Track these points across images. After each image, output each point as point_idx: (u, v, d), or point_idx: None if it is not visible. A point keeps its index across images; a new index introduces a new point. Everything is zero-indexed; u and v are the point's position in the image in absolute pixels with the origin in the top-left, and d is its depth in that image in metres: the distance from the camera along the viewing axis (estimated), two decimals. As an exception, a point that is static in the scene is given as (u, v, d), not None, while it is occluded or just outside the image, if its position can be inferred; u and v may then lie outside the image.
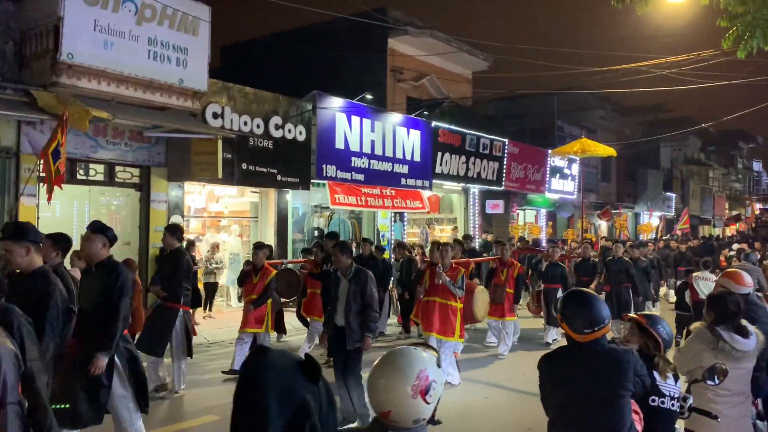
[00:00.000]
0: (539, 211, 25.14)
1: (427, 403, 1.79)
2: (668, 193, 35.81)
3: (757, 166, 57.47)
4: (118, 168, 11.04)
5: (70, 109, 8.53)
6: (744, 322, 3.76)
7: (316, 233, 15.47)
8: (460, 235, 18.90)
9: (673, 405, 2.99)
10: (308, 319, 10.06)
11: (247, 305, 8.36)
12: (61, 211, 10.84)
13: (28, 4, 9.68)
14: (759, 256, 14.37)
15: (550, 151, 21.67)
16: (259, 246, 8.75)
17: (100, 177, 10.91)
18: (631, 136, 32.68)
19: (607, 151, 16.80)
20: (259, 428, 1.54)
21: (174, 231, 7.57)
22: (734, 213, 45.60)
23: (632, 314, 3.41)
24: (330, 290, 6.85)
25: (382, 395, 1.82)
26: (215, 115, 11.67)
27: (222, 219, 14.12)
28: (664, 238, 25.58)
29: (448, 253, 8.02)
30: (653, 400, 2.95)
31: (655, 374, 3.00)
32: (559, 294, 10.10)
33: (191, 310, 9.03)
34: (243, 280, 8.69)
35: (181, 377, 7.53)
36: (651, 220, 33.37)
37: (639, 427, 2.81)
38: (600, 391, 2.72)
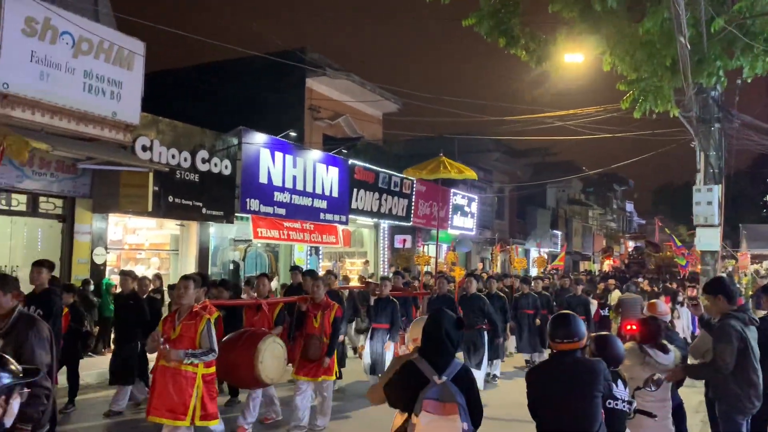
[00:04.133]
0: (440, 246, 26.42)
1: None
2: (554, 231, 38.54)
3: (629, 207, 63.06)
4: (41, 198, 10.83)
5: (9, 140, 8.44)
6: (664, 341, 4.67)
7: (231, 266, 15.61)
8: (371, 270, 19.65)
9: (624, 407, 3.75)
10: None
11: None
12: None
13: (-43, 30, 9.45)
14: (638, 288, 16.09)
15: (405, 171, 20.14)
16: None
17: (22, 207, 10.64)
18: (522, 177, 35.09)
19: (465, 173, 14.14)
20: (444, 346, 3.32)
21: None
22: (605, 246, 49.37)
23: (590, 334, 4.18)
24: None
25: None
26: (144, 148, 11.73)
27: (141, 251, 13.95)
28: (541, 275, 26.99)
29: (319, 288, 7.43)
30: (609, 403, 3.68)
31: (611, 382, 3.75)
32: (388, 336, 9.11)
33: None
34: None
35: None
36: (539, 255, 35.77)
37: None
38: (577, 393, 3.44)
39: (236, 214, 13.96)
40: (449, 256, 22.51)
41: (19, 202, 10.58)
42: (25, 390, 2.88)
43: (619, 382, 3.85)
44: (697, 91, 9.42)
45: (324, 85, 19.23)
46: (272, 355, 6.61)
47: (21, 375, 3.31)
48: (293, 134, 16.54)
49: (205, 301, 5.99)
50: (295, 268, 11.66)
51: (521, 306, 12.08)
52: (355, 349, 12.24)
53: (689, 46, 7.32)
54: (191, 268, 13.48)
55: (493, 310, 10.15)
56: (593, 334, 4.20)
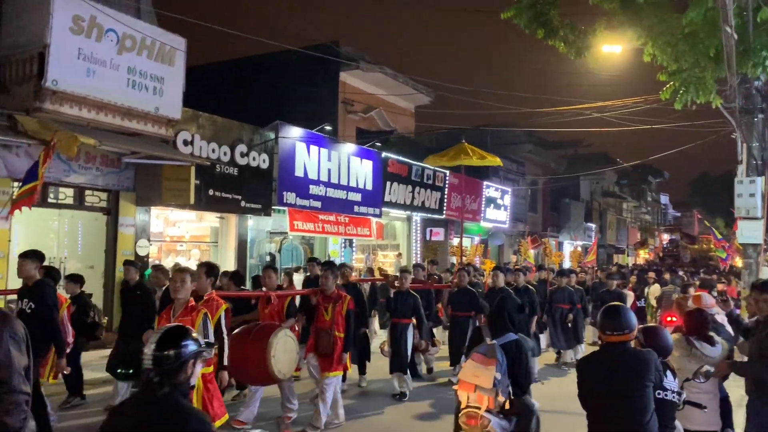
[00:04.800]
0: (473, 238, 26.37)
1: None
2: (588, 223, 38.13)
3: (664, 199, 61.99)
4: (87, 192, 11.14)
5: (59, 135, 8.71)
6: (712, 333, 4.66)
7: (268, 258, 15.85)
8: (404, 262, 19.73)
9: (674, 397, 3.78)
10: None
11: None
12: (32, 234, 10.80)
13: (8, 30, 9.78)
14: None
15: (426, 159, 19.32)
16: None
17: (69, 201, 10.97)
18: (555, 168, 34.79)
19: (489, 159, 13.90)
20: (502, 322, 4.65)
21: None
22: (641, 239, 48.66)
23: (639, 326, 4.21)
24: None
25: None
26: (186, 142, 11.98)
27: (181, 243, 14.26)
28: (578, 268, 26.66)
29: (327, 279, 7.19)
30: (658, 393, 3.71)
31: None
32: (410, 331, 8.79)
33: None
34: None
35: None
36: (573, 248, 35.44)
37: None
38: (629, 383, 3.49)
39: (273, 207, 14.16)
40: (473, 248, 22.44)
41: (66, 195, 10.89)
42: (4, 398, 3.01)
43: (669, 373, 3.87)
44: (740, 82, 9.26)
45: (357, 78, 19.32)
46: (284, 349, 6.38)
47: (205, 343, 3.83)
48: (328, 128, 16.68)
49: (212, 292, 5.65)
50: (312, 260, 11.20)
51: (556, 300, 11.79)
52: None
53: (736, 36, 7.21)
54: (230, 259, 13.76)
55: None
56: (641, 326, 4.22)
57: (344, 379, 8.57)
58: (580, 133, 32.99)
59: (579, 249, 32.09)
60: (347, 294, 7.44)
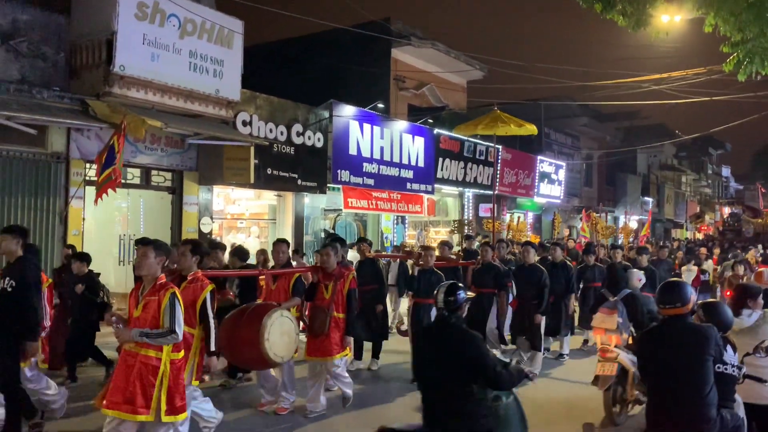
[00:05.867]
0: (525, 214, 26.18)
1: None
2: (645, 198, 37.27)
3: (725, 171, 59.82)
4: (153, 172, 11.63)
5: (128, 119, 9.14)
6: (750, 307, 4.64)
7: (323, 235, 16.20)
8: (456, 238, 19.80)
9: (733, 371, 3.84)
10: None
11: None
12: (104, 213, 11.39)
13: (77, 17, 10.24)
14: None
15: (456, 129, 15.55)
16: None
17: (136, 180, 11.49)
18: (611, 142, 34.03)
19: (525, 126, 13.07)
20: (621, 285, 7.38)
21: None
22: (698, 211, 47.11)
23: (699, 301, 4.28)
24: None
25: None
26: (245, 123, 12.35)
27: (241, 221, 14.74)
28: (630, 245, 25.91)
29: (329, 257, 6.62)
30: (718, 367, 3.78)
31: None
32: (434, 312, 7.24)
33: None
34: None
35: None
36: (629, 223, 34.75)
37: None
38: (689, 356, 3.60)
39: (328, 185, 14.46)
40: (521, 224, 21.82)
41: (134, 175, 11.41)
42: None
43: (729, 347, 3.94)
44: (808, 50, 8.92)
45: (409, 54, 19.32)
46: (280, 331, 5.91)
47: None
48: (381, 105, 16.81)
49: (197, 272, 5.25)
50: (362, 240, 10.16)
51: (587, 279, 10.64)
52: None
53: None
54: (288, 236, 14.09)
55: (548, 282, 8.67)
56: (701, 301, 4.27)
57: (375, 354, 8.63)
58: (637, 106, 32.03)
59: (629, 224, 31.45)
60: (353, 271, 6.96)
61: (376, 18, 18.09)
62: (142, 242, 4.67)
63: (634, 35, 9.69)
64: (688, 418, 3.54)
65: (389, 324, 10.23)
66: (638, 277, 7.04)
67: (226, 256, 8.31)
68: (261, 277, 7.53)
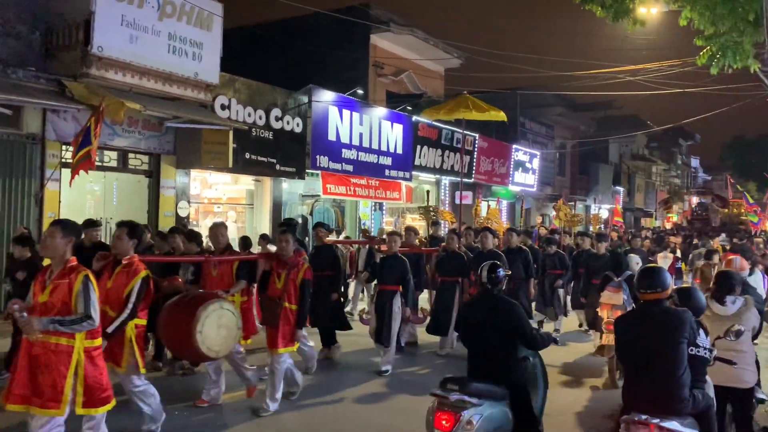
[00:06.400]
0: (500, 201, 26.46)
1: None
2: (617, 187, 37.89)
3: (695, 162, 61.01)
4: (130, 155, 11.53)
5: (107, 101, 9.03)
6: (730, 295, 4.83)
7: (301, 221, 16.20)
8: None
9: (705, 353, 4.01)
10: None
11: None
12: (78, 195, 11.26)
13: (54, -4, 10.05)
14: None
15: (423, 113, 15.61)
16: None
17: (113, 163, 11.37)
18: (585, 131, 34.47)
19: (491, 112, 12.40)
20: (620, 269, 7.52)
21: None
22: (665, 198, 47.80)
23: (674, 286, 4.45)
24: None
25: None
26: (223, 107, 12.27)
27: (219, 205, 14.68)
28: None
29: (288, 244, 6.18)
30: (692, 350, 3.94)
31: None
32: (397, 299, 7.63)
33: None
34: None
35: None
36: (600, 212, 35.30)
37: None
38: (665, 339, 3.76)
39: (307, 171, 14.46)
40: (491, 211, 21.85)
41: (111, 158, 11.30)
42: None
43: (701, 331, 4.10)
44: (778, 45, 9.19)
45: (388, 41, 19.33)
46: (217, 324, 5.47)
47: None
48: (360, 92, 16.81)
49: (133, 256, 5.03)
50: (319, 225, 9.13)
51: (547, 266, 10.39)
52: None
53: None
54: (265, 221, 14.15)
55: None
56: (675, 287, 4.44)
57: (333, 344, 8.14)
58: (611, 95, 32.49)
59: (599, 213, 31.96)
60: (307, 260, 6.52)
61: (356, 3, 18.05)
62: (54, 223, 4.35)
63: (612, 27, 9.87)
64: (663, 398, 3.71)
65: (356, 312, 10.37)
66: (636, 261, 7.58)
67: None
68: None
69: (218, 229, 6.66)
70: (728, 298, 4.85)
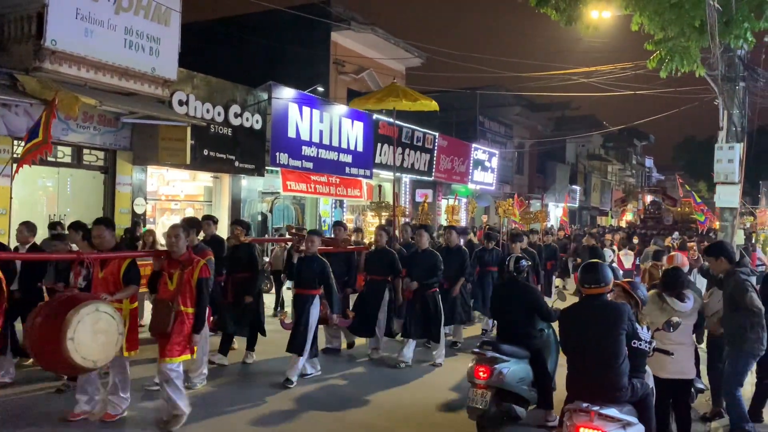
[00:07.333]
0: (460, 200, 26.77)
1: None
2: (573, 186, 38.70)
3: (648, 162, 62.70)
4: (85, 151, 11.33)
5: (60, 95, 8.87)
6: (685, 291, 5.12)
7: (260, 218, 16.16)
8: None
9: (645, 346, 4.21)
10: None
11: None
12: (31, 192, 11.02)
13: (5, -13, 9.80)
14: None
15: (351, 103, 13.77)
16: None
17: (67, 159, 11.16)
18: (543, 131, 35.10)
19: (422, 102, 11.31)
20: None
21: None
22: (623, 196, 49.09)
23: (619, 281, 4.66)
24: None
25: None
26: (181, 103, 12.16)
27: (176, 202, 14.52)
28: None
29: (179, 239, 5.53)
30: (634, 343, 4.14)
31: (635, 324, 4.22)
32: (315, 303, 7.09)
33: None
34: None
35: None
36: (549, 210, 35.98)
37: None
38: (604, 331, 3.94)
39: (266, 168, 14.42)
40: (448, 207, 22.08)
41: (65, 154, 11.08)
42: None
43: (645, 326, 4.31)
44: (723, 51, 9.56)
45: (348, 38, 19.38)
46: (93, 329, 4.81)
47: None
48: (320, 89, 16.83)
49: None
50: (207, 218, 8.38)
51: (485, 263, 10.27)
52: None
53: (719, 8, 7.49)
54: (224, 219, 14.02)
55: (441, 268, 8.09)
56: (618, 281, 4.64)
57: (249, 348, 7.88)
58: (568, 96, 33.19)
59: (543, 210, 32.59)
60: (204, 257, 5.85)
61: (317, 0, 18.03)
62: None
63: (566, 29, 10.12)
64: (603, 386, 3.90)
65: (277, 314, 10.23)
66: (609, 255, 8.06)
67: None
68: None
69: (98, 229, 5.58)
70: (687, 293, 5.11)
